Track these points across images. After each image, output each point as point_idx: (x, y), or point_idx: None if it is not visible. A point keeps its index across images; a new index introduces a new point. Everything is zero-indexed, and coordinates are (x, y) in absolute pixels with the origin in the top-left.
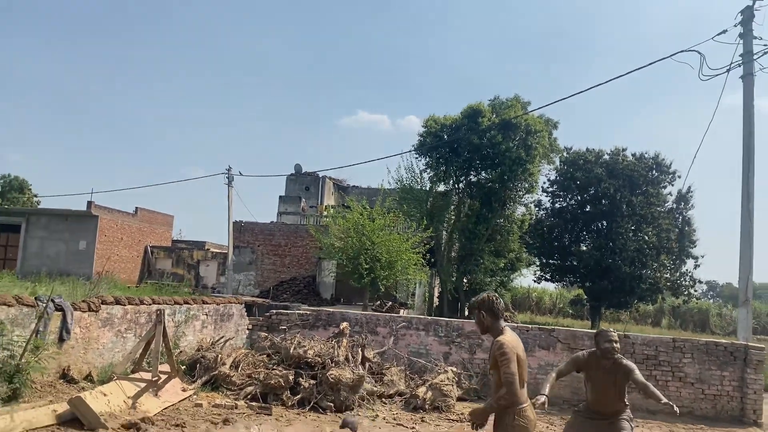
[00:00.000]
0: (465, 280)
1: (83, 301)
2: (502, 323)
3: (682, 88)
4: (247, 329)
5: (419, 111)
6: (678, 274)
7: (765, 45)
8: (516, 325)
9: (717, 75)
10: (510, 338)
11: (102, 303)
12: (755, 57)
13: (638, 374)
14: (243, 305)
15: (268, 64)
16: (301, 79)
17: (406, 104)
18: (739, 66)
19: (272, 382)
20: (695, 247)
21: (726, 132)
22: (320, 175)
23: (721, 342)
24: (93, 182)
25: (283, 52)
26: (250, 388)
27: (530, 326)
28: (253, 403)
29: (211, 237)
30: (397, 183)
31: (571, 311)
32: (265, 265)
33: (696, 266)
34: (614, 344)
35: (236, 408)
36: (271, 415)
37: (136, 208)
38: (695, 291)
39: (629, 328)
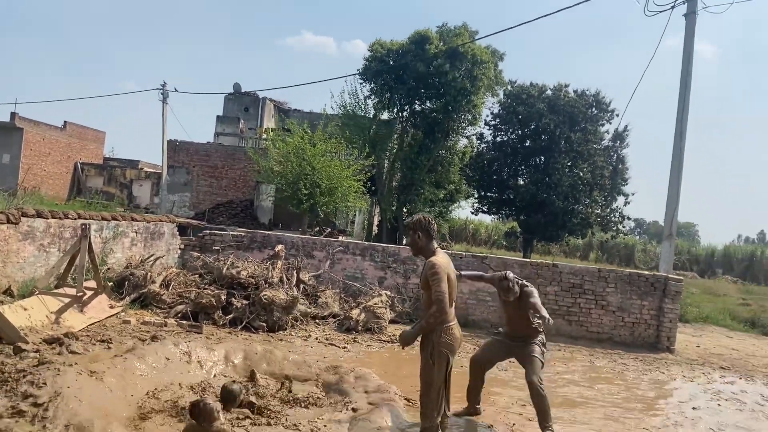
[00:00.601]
0: (405, 210)
1: (1, 212)
2: (435, 245)
3: (627, 27)
4: (179, 249)
5: (367, 35)
6: (608, 210)
7: None
8: (451, 252)
9: (662, 11)
10: (442, 259)
11: (23, 215)
12: None
13: (534, 298)
14: (175, 224)
15: None
16: None
17: (353, 27)
18: (684, 3)
19: (204, 301)
20: (627, 184)
21: (665, 74)
22: (260, 96)
23: (644, 273)
24: (17, 92)
25: None
26: (180, 307)
27: (464, 253)
28: (184, 322)
29: (145, 156)
30: (340, 108)
31: (505, 243)
32: (200, 186)
33: (626, 203)
34: (512, 295)
35: (166, 326)
36: (201, 333)
37: (65, 122)
38: (623, 227)
39: (558, 260)
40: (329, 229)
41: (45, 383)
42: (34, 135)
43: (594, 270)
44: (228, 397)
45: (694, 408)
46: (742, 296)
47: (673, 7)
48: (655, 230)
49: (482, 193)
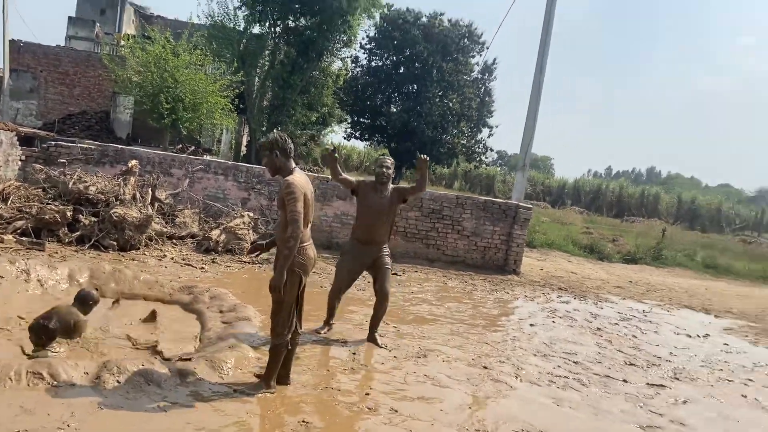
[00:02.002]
0: (275, 130)
1: None
2: (293, 164)
3: None
4: (20, 161)
5: None
6: (474, 141)
7: None
8: (318, 176)
9: None
10: (299, 178)
11: None
12: None
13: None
14: (14, 133)
15: None
16: None
17: None
18: None
19: (47, 216)
20: (492, 117)
21: (532, 8)
22: None
23: (497, 201)
24: None
25: None
26: (20, 222)
27: (329, 177)
28: (24, 239)
29: None
30: (207, 18)
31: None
32: (49, 94)
33: (490, 135)
34: (386, 170)
35: (2, 242)
36: (44, 251)
37: None
38: (486, 158)
39: None
40: (193, 147)
41: None
42: None
43: (452, 197)
44: (85, 300)
45: (531, 324)
46: (585, 225)
47: None
48: (516, 162)
49: (355, 119)
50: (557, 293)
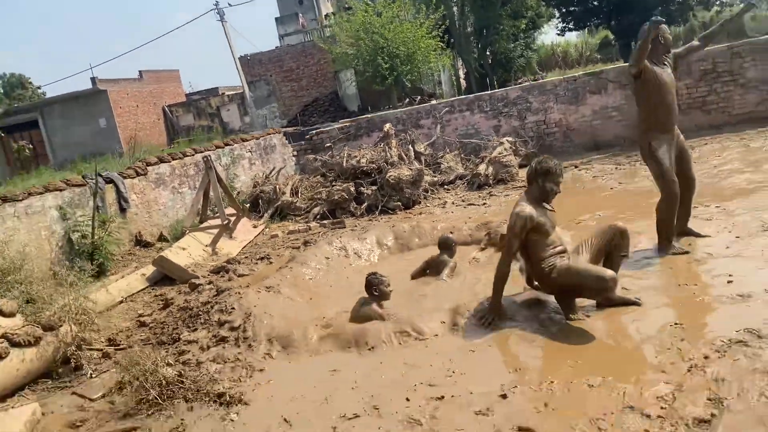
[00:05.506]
0: (488, 53)
1: (129, 168)
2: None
3: None
4: (293, 156)
5: None
6: None
7: None
8: (561, 78)
9: None
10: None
11: (147, 165)
12: None
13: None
14: (282, 134)
15: None
16: None
17: None
18: None
19: (336, 197)
20: None
21: None
22: None
23: None
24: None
25: None
26: (316, 209)
27: (576, 74)
28: (325, 222)
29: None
30: None
31: (599, 56)
32: (283, 93)
33: None
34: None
35: (310, 230)
36: (345, 227)
37: (140, 71)
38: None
39: None
40: (419, 97)
41: (233, 308)
42: (117, 93)
43: (724, 48)
44: (446, 244)
45: None
46: None
47: None
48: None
49: (564, 10)
50: None
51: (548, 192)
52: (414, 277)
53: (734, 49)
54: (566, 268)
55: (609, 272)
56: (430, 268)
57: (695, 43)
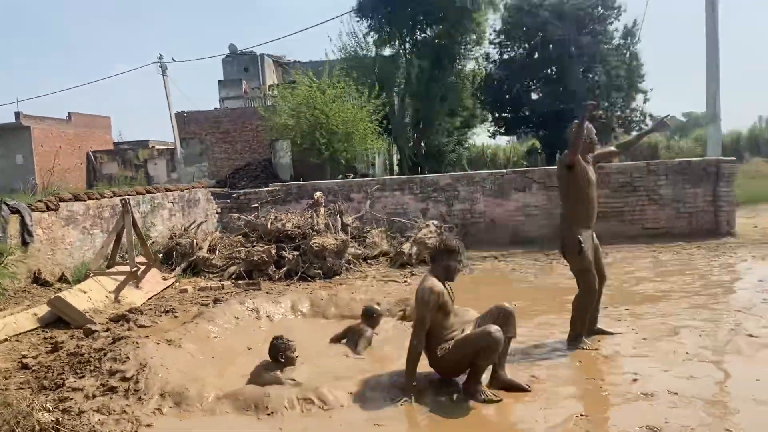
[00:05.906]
0: (422, 144)
1: (39, 201)
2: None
3: None
4: (216, 213)
5: None
6: (628, 110)
7: None
8: (490, 172)
9: None
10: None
11: (60, 201)
12: None
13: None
14: (208, 190)
15: None
16: None
17: None
18: None
19: (255, 258)
20: (643, 81)
21: None
22: (258, 54)
23: (694, 160)
24: (17, 91)
25: None
26: (233, 268)
27: (504, 171)
28: (240, 282)
29: (153, 135)
30: (341, 52)
31: (525, 163)
32: (216, 154)
33: (645, 100)
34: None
35: (223, 288)
36: (260, 289)
37: (69, 113)
38: (645, 126)
39: None
40: (351, 175)
41: (128, 357)
42: (41, 131)
43: (642, 165)
44: (368, 313)
45: None
46: None
47: None
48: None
49: (497, 115)
50: None
51: (452, 270)
52: (332, 341)
53: (651, 167)
54: (453, 343)
55: (493, 327)
56: (349, 336)
57: (613, 149)
